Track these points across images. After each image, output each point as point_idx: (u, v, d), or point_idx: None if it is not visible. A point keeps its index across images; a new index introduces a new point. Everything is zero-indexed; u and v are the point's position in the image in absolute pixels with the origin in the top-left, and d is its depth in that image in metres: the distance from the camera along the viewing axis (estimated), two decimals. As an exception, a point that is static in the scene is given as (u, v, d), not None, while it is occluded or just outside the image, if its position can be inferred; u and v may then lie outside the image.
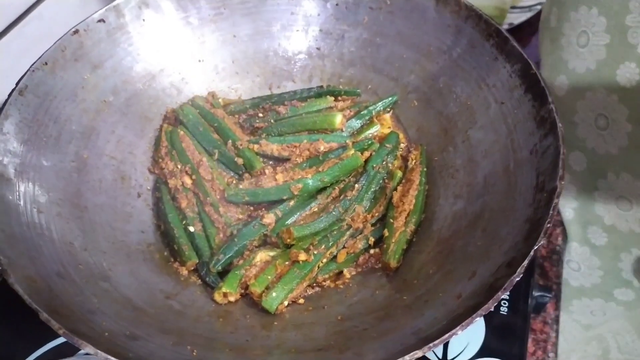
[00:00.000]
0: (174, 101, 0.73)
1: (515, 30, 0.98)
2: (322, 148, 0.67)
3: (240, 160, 0.67)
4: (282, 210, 0.63)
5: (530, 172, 0.55)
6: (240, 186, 0.65)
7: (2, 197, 0.52)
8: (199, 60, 0.74)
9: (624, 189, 0.65)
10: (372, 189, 0.66)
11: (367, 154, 0.68)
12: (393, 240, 0.61)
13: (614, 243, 0.69)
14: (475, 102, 0.65)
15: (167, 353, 0.47)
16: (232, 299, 0.58)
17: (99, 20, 0.66)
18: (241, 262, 0.60)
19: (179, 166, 0.66)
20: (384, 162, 0.67)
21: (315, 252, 0.59)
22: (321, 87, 0.75)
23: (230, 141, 0.68)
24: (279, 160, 0.69)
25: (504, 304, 0.65)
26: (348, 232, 0.63)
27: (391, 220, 0.63)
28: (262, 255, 0.59)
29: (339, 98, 0.74)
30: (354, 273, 0.62)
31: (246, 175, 0.67)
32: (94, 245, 0.57)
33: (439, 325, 0.46)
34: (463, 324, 0.43)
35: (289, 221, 0.62)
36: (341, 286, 0.61)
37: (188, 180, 0.65)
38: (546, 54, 0.71)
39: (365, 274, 0.61)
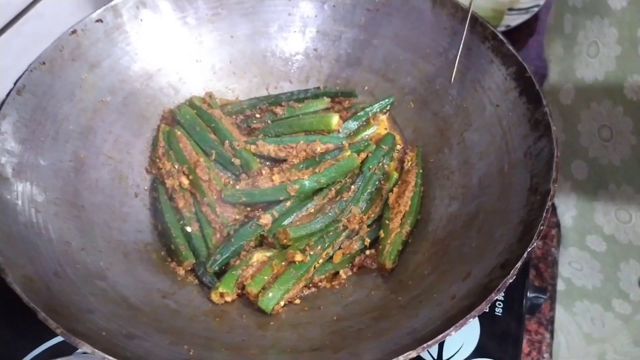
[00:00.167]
0: (171, 101, 0.73)
1: (512, 32, 0.98)
2: (318, 149, 0.67)
3: (237, 161, 0.67)
4: (279, 210, 0.63)
5: (524, 174, 0.55)
6: (237, 187, 0.65)
7: (0, 197, 0.52)
8: (197, 60, 0.74)
9: (625, 201, 0.65)
10: (368, 190, 0.66)
11: (363, 155, 0.68)
12: (389, 241, 0.61)
13: (613, 252, 0.69)
14: (470, 104, 0.65)
15: (164, 352, 0.48)
16: (228, 299, 0.58)
17: (97, 20, 0.66)
18: (238, 262, 0.60)
19: (176, 166, 0.66)
20: (380, 164, 0.68)
21: (311, 253, 0.59)
22: (318, 88, 0.75)
23: (227, 142, 0.68)
24: (276, 161, 0.69)
25: (499, 304, 0.66)
26: (344, 233, 0.63)
27: (387, 222, 0.63)
28: (259, 256, 0.60)
29: (336, 99, 0.75)
30: (349, 274, 0.62)
31: (243, 175, 0.67)
32: (91, 245, 0.57)
33: (433, 325, 0.47)
34: (457, 324, 0.44)
35: (286, 222, 0.62)
36: (337, 286, 0.61)
37: (185, 181, 0.66)
38: (556, 60, 0.71)
39: (361, 275, 0.62)
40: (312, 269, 0.60)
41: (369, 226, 0.65)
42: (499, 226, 0.54)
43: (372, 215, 0.65)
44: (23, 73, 0.59)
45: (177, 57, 0.73)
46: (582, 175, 0.69)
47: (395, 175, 0.67)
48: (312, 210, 0.64)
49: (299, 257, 0.58)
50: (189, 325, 0.54)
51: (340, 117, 0.71)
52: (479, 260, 0.52)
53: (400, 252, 0.61)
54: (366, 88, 0.75)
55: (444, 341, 0.62)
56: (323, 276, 0.61)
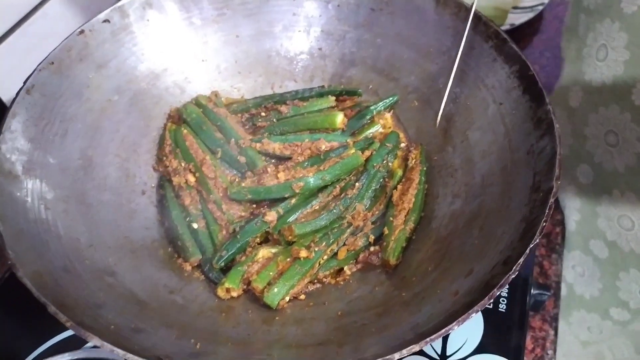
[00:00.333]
0: (177, 100, 0.73)
1: (516, 31, 0.98)
2: (323, 147, 0.68)
3: (242, 159, 0.68)
4: (284, 208, 0.64)
5: (527, 172, 0.55)
6: (243, 184, 0.66)
7: (10, 194, 0.53)
8: (202, 60, 0.75)
9: (628, 208, 0.64)
10: (373, 188, 0.66)
11: (367, 153, 0.69)
12: (392, 238, 0.61)
13: (614, 259, 0.69)
14: (473, 102, 0.65)
15: (171, 346, 0.48)
16: (234, 294, 0.59)
17: (104, 21, 0.66)
18: (243, 258, 0.60)
19: (183, 164, 0.67)
20: (384, 161, 0.68)
21: (316, 249, 0.60)
22: (322, 87, 0.76)
23: (233, 140, 0.69)
24: (281, 159, 0.69)
25: (503, 301, 0.66)
26: (348, 230, 0.63)
27: (391, 219, 0.64)
28: (264, 252, 0.60)
29: (340, 98, 0.75)
30: (354, 270, 0.62)
31: (248, 173, 0.68)
32: (100, 241, 0.58)
33: (436, 320, 0.47)
34: (459, 319, 0.44)
35: (291, 219, 0.63)
36: (341, 283, 0.61)
37: (191, 178, 0.66)
38: (569, 61, 0.71)
39: (365, 271, 0.62)
40: (317, 265, 0.60)
41: (373, 223, 0.65)
42: (502, 223, 0.54)
43: (376, 213, 0.66)
44: (32, 73, 0.60)
45: (183, 57, 0.73)
46: (587, 180, 0.69)
47: (399, 173, 0.68)
48: (317, 208, 0.64)
49: (303, 254, 0.59)
50: (196, 320, 0.55)
51: (345, 115, 0.72)
52: (481, 257, 0.53)
53: (403, 248, 0.61)
54: (370, 87, 0.76)
55: (447, 337, 0.63)
56: (328, 272, 0.62)
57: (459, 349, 0.62)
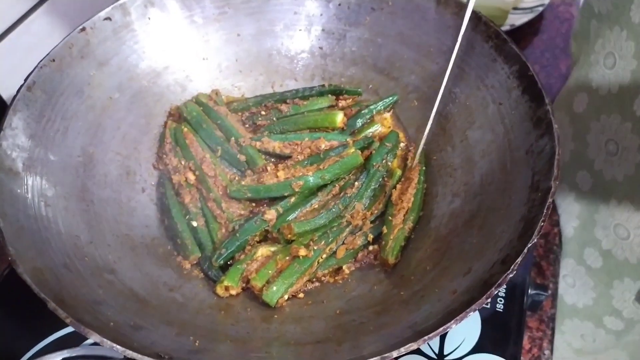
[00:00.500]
0: (178, 98, 0.74)
1: (517, 31, 0.99)
2: (323, 146, 0.68)
3: (242, 157, 0.68)
4: (283, 206, 0.64)
5: (526, 171, 0.56)
6: (243, 182, 0.66)
7: (11, 191, 0.53)
8: (203, 59, 0.75)
9: (624, 217, 0.64)
10: (372, 187, 0.67)
11: (367, 152, 0.69)
12: (391, 237, 0.62)
13: (608, 268, 0.69)
14: (473, 102, 0.66)
15: (170, 343, 0.49)
16: (233, 292, 0.59)
17: (106, 19, 0.66)
18: (243, 256, 0.61)
19: (183, 162, 0.67)
20: (384, 161, 0.68)
21: (315, 248, 0.60)
22: (323, 86, 0.76)
23: (233, 138, 0.69)
24: (281, 158, 0.70)
25: (500, 301, 0.66)
26: (347, 229, 0.64)
27: (390, 218, 0.64)
28: (263, 250, 0.61)
29: (341, 97, 0.75)
30: (352, 269, 0.63)
31: (248, 172, 0.68)
32: (100, 239, 0.58)
33: (434, 319, 0.47)
34: (457, 318, 0.44)
35: (290, 217, 0.63)
36: (340, 281, 0.62)
37: (191, 176, 0.66)
38: (578, 66, 0.71)
39: (364, 270, 0.62)
40: (316, 263, 0.60)
41: (372, 222, 0.65)
42: (500, 223, 0.54)
43: (376, 212, 0.66)
44: (33, 70, 0.60)
45: (184, 55, 0.73)
46: (586, 187, 0.69)
47: (399, 172, 0.68)
48: (316, 206, 0.65)
49: (303, 252, 0.59)
50: (195, 318, 0.55)
51: (345, 114, 0.72)
52: (479, 256, 0.53)
53: (402, 247, 0.62)
54: (370, 86, 0.76)
55: (445, 336, 0.63)
56: (327, 271, 0.62)
57: (457, 348, 0.62)
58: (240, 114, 0.74)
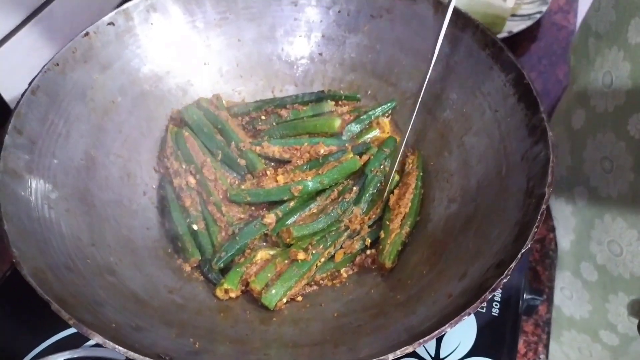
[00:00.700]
0: (179, 102, 0.74)
1: (514, 38, 0.99)
2: (322, 151, 0.69)
3: (242, 162, 0.69)
4: (283, 210, 0.65)
5: (520, 177, 0.56)
6: (243, 186, 0.67)
7: (15, 193, 0.53)
8: (205, 63, 0.76)
9: (617, 234, 0.65)
10: (370, 192, 0.67)
11: (365, 157, 0.70)
12: (389, 242, 0.62)
13: (603, 283, 0.70)
14: (470, 108, 0.66)
15: (171, 344, 0.49)
16: (232, 295, 0.60)
17: (109, 23, 0.67)
18: (242, 259, 0.61)
19: (184, 166, 0.68)
20: (382, 166, 0.69)
21: (313, 252, 0.61)
22: (322, 91, 0.76)
23: (233, 143, 0.70)
24: (280, 162, 0.71)
25: (496, 305, 0.67)
26: (345, 233, 0.64)
27: (387, 222, 0.64)
28: (263, 254, 0.61)
29: (340, 102, 0.76)
30: (350, 272, 0.63)
31: (248, 176, 0.69)
32: (101, 241, 0.58)
33: (429, 322, 0.48)
34: (452, 321, 0.45)
35: (289, 221, 0.64)
36: (338, 285, 0.62)
37: (192, 180, 0.67)
38: (577, 83, 0.71)
39: (361, 273, 0.63)
40: (314, 267, 0.61)
41: (370, 227, 0.66)
42: (495, 228, 0.55)
43: (373, 216, 0.67)
44: (38, 74, 0.60)
45: (185, 60, 0.74)
46: (582, 202, 0.70)
47: (396, 177, 0.69)
48: (315, 211, 0.66)
49: (301, 256, 0.60)
50: (195, 319, 0.55)
51: (344, 120, 0.73)
52: (475, 260, 0.54)
53: (399, 252, 0.62)
54: (369, 92, 0.77)
55: (441, 340, 0.64)
56: (325, 274, 0.63)
57: (452, 351, 0.63)
58: (240, 118, 0.75)
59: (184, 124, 0.72)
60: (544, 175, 0.53)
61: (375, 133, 0.73)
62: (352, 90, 0.78)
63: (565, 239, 0.75)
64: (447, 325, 0.45)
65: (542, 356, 0.70)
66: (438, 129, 0.70)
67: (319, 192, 0.67)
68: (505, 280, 0.47)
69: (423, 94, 0.71)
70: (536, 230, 0.49)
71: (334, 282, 0.63)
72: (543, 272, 0.77)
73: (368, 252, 0.64)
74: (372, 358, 0.44)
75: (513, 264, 0.47)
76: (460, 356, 0.63)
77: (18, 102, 0.58)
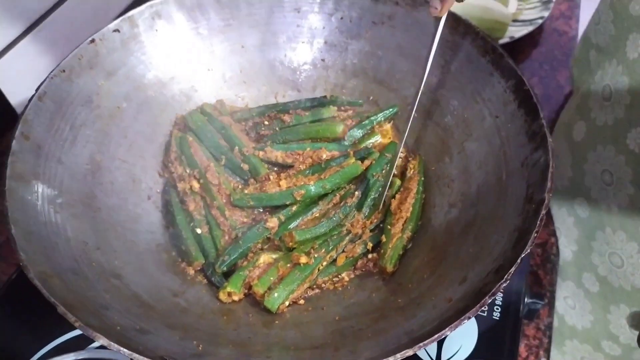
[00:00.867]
0: (183, 108, 0.75)
1: (516, 43, 1.00)
2: (324, 156, 0.69)
3: (245, 166, 0.70)
4: (285, 214, 0.65)
5: (520, 183, 0.57)
6: (246, 191, 0.67)
7: (22, 198, 0.54)
8: (208, 69, 0.76)
9: (618, 246, 0.65)
10: (372, 196, 0.68)
11: (367, 162, 0.70)
12: (390, 246, 0.63)
13: (604, 294, 0.70)
14: (471, 114, 0.67)
15: (174, 346, 0.50)
16: (235, 298, 0.60)
17: (114, 30, 0.68)
18: (245, 263, 0.62)
19: (188, 171, 0.69)
20: (383, 171, 0.70)
21: (315, 256, 0.61)
22: (324, 97, 0.77)
23: (236, 147, 0.71)
24: (283, 167, 0.71)
25: (497, 309, 0.67)
26: (347, 237, 0.65)
27: (389, 227, 0.65)
28: (265, 258, 0.62)
29: (342, 108, 0.77)
30: (352, 276, 0.64)
31: (251, 180, 0.69)
32: (106, 245, 0.59)
33: (430, 326, 0.49)
34: (452, 325, 0.45)
35: (292, 225, 0.64)
36: (340, 288, 0.63)
37: (196, 185, 0.68)
38: (579, 94, 0.71)
39: (363, 277, 0.64)
40: (316, 271, 0.62)
41: (371, 231, 0.67)
42: (495, 233, 0.56)
43: (375, 221, 0.67)
44: (44, 80, 0.61)
45: (189, 66, 0.75)
46: (584, 214, 0.70)
47: (398, 182, 0.69)
48: (317, 215, 0.66)
49: (303, 260, 0.60)
50: (198, 322, 0.56)
51: (346, 125, 0.73)
52: (475, 265, 0.54)
53: (401, 256, 0.63)
54: (371, 98, 0.78)
55: (442, 343, 0.64)
56: (327, 278, 0.63)
57: (454, 355, 0.63)
58: (243, 123, 0.76)
59: (188, 129, 0.73)
60: (543, 181, 0.53)
61: (377, 138, 0.74)
62: (354, 96, 0.78)
63: (567, 249, 0.75)
64: (447, 329, 0.45)
65: (543, 359, 0.70)
66: (439, 134, 0.71)
67: (321, 197, 0.67)
68: (504, 285, 0.47)
69: (423, 100, 0.72)
70: (536, 235, 0.50)
71: (336, 285, 0.63)
72: (544, 277, 0.77)
73: (369, 256, 0.65)
74: (372, 361, 0.45)
75: (512, 269, 0.48)
76: (461, 359, 0.63)
77: (25, 108, 0.59)
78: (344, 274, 0.64)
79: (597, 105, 0.66)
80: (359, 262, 0.65)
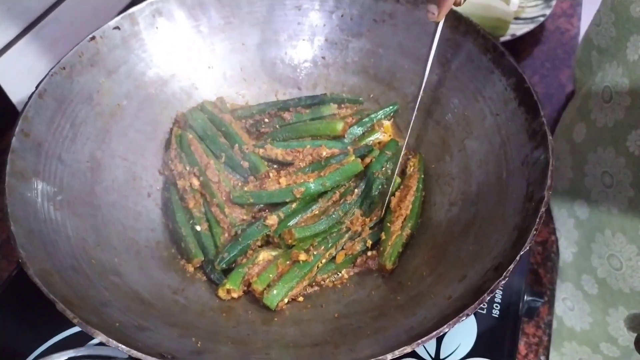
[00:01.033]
0: (184, 106, 0.75)
1: (518, 41, 1.00)
2: (324, 153, 0.69)
3: (245, 164, 0.70)
4: (285, 212, 0.65)
5: (520, 181, 0.57)
6: (245, 188, 0.68)
7: (22, 195, 0.54)
8: (209, 67, 0.77)
9: (617, 249, 0.65)
10: (371, 194, 0.68)
11: (367, 160, 0.70)
12: (389, 244, 0.63)
13: (603, 296, 0.70)
14: (471, 113, 0.67)
15: (173, 344, 0.50)
16: (235, 295, 0.60)
17: (115, 28, 0.68)
18: (244, 260, 0.62)
19: (188, 168, 0.69)
20: (383, 168, 0.70)
21: (315, 253, 0.62)
22: (325, 94, 0.77)
23: (236, 145, 0.71)
24: (283, 165, 0.71)
25: (496, 306, 0.67)
26: (347, 235, 0.65)
27: (388, 225, 0.65)
28: (265, 255, 0.62)
29: (342, 106, 0.77)
30: (351, 273, 0.64)
31: (251, 178, 0.69)
32: (106, 242, 0.59)
33: (429, 324, 0.49)
34: (450, 322, 0.45)
35: (291, 223, 0.64)
36: (339, 286, 0.63)
37: (196, 182, 0.68)
38: (580, 95, 0.71)
39: (362, 275, 0.64)
40: (316, 268, 0.62)
41: (371, 228, 0.67)
42: (495, 231, 0.56)
43: (375, 218, 0.67)
44: (44, 77, 0.61)
45: (190, 64, 0.75)
46: (584, 216, 0.70)
47: (398, 180, 0.69)
48: (317, 212, 0.66)
49: (303, 257, 0.60)
50: (197, 320, 0.56)
51: (346, 122, 0.73)
52: (474, 263, 0.54)
53: (400, 254, 0.63)
54: (371, 95, 0.78)
55: (442, 340, 0.64)
56: (326, 275, 0.63)
57: (452, 352, 0.63)
58: (244, 121, 0.76)
59: (188, 127, 0.73)
60: (543, 179, 0.53)
61: (377, 136, 0.74)
62: (354, 94, 0.78)
63: (567, 251, 0.75)
64: (445, 326, 0.45)
65: (542, 357, 0.70)
66: (439, 132, 0.71)
67: (321, 194, 0.67)
68: (503, 282, 0.47)
69: (423, 98, 0.72)
70: (535, 232, 0.49)
71: (335, 282, 0.63)
72: (544, 275, 0.77)
73: (369, 253, 0.65)
74: (370, 358, 0.45)
75: (511, 267, 0.48)
76: (460, 357, 0.63)
77: (25, 105, 0.59)
78: (343, 272, 0.64)
79: (597, 106, 0.65)
80: (359, 260, 0.65)
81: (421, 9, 0.72)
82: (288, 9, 0.77)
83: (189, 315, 0.57)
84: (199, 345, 0.51)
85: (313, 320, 0.58)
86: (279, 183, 0.66)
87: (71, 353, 0.61)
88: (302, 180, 0.66)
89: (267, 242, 0.65)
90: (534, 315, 0.72)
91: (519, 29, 1.00)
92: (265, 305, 0.58)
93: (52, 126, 0.61)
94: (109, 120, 0.67)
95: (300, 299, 0.61)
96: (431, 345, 0.63)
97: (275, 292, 0.58)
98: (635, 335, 0.65)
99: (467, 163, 0.66)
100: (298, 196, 0.65)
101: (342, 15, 0.77)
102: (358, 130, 0.74)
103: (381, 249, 0.63)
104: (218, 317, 0.58)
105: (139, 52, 0.71)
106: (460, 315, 0.46)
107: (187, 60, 0.75)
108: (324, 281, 0.63)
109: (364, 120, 0.74)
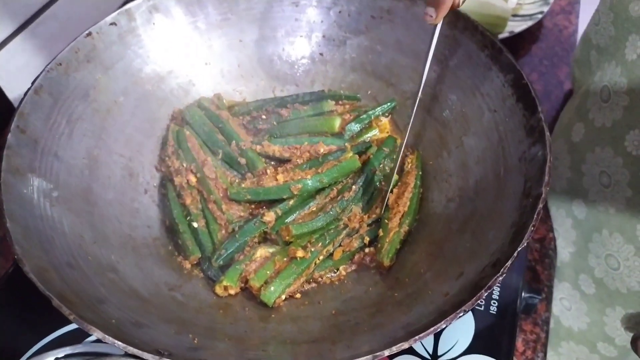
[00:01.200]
0: (181, 102, 0.75)
1: (516, 38, 0.99)
2: (321, 150, 0.69)
3: (243, 160, 0.70)
4: (282, 209, 0.65)
5: (518, 178, 0.57)
6: (243, 185, 0.68)
7: (18, 192, 0.54)
8: (206, 64, 0.76)
9: (615, 249, 0.65)
10: (369, 191, 0.68)
11: (365, 157, 0.70)
12: (387, 240, 0.63)
13: (600, 296, 0.70)
14: (469, 109, 0.67)
15: (170, 340, 0.50)
16: (232, 292, 0.60)
17: (111, 24, 0.68)
18: (242, 257, 0.62)
19: (185, 165, 0.69)
20: (381, 165, 0.70)
21: (312, 250, 0.62)
22: (323, 91, 0.77)
23: (234, 142, 0.71)
24: (280, 161, 0.71)
25: (494, 303, 0.67)
26: (344, 231, 0.65)
27: (386, 221, 0.65)
28: (262, 252, 0.62)
29: (340, 102, 0.77)
30: (349, 270, 0.64)
31: (248, 174, 0.69)
32: (103, 239, 0.59)
33: (426, 320, 0.48)
34: (447, 319, 0.45)
35: (289, 219, 0.64)
36: (336, 282, 0.63)
37: (193, 179, 0.68)
38: (578, 95, 0.71)
39: (360, 272, 0.64)
40: (313, 265, 0.62)
41: (368, 225, 0.67)
42: (492, 228, 0.55)
43: (372, 215, 0.67)
44: (40, 73, 0.61)
45: (187, 60, 0.75)
46: (582, 215, 0.70)
47: (396, 177, 0.69)
48: (314, 209, 0.66)
49: (300, 254, 0.60)
50: (194, 317, 0.56)
51: (344, 119, 0.74)
52: (471, 260, 0.54)
53: (398, 250, 0.63)
54: (369, 92, 0.78)
55: (439, 337, 0.64)
56: (323, 272, 0.63)
57: (450, 349, 0.63)
58: (241, 117, 0.76)
59: (185, 123, 0.73)
60: (541, 176, 0.53)
61: (374, 132, 0.74)
62: (352, 91, 0.78)
63: (565, 250, 0.75)
64: (442, 323, 0.45)
65: (540, 354, 0.70)
66: (437, 129, 0.70)
67: (318, 191, 0.67)
68: (501, 279, 0.47)
69: (422, 95, 0.72)
70: (533, 229, 0.49)
71: (333, 279, 0.63)
72: (542, 272, 0.77)
73: (367, 250, 0.65)
74: (368, 354, 0.45)
75: (509, 263, 0.48)
76: (457, 353, 0.63)
77: (21, 102, 0.58)
78: (340, 268, 0.64)
79: (595, 106, 0.65)
80: (356, 257, 0.65)
81: (419, 6, 0.71)
82: (285, 5, 0.77)
83: (186, 312, 0.56)
84: (195, 341, 0.51)
85: (310, 317, 0.58)
86: (277, 180, 0.66)
87: (68, 350, 0.60)
88: (299, 177, 0.66)
89: (265, 239, 0.65)
90: (532, 312, 0.72)
91: (517, 26, 1.00)
92: (263, 302, 0.58)
93: (49, 122, 0.60)
94: (106, 116, 0.67)
95: (298, 295, 0.61)
96: (429, 341, 0.63)
97: (272, 288, 0.58)
98: (632, 335, 0.66)
99: (465, 160, 0.66)
100: (295, 193, 0.65)
101: (339, 12, 0.76)
102: (356, 127, 0.74)
103: (379, 245, 0.63)
104: (215, 313, 0.58)
105: (135, 48, 0.70)
106: (458, 311, 0.45)
107: (184, 56, 0.74)
108: (322, 278, 0.63)
109: (361, 117, 0.74)
